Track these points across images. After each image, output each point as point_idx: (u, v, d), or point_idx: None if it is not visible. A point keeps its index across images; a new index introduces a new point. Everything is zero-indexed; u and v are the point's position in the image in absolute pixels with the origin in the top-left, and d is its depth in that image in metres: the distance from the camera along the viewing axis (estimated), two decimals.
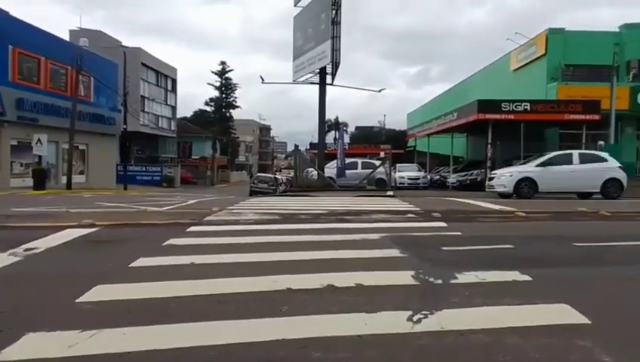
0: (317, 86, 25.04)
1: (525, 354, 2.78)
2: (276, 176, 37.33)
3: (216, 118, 62.66)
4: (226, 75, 63.80)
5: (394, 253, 5.74)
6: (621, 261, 5.70)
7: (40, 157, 23.96)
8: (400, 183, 26.35)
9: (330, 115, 68.68)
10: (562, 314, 3.47)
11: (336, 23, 23.39)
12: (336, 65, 23.84)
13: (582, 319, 3.35)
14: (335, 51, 23.32)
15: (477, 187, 21.98)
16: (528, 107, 22.35)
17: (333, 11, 23.41)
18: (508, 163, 21.77)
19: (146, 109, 47.12)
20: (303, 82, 26.87)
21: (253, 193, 27.34)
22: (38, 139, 23.03)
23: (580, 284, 4.47)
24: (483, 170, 22.77)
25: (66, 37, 36.58)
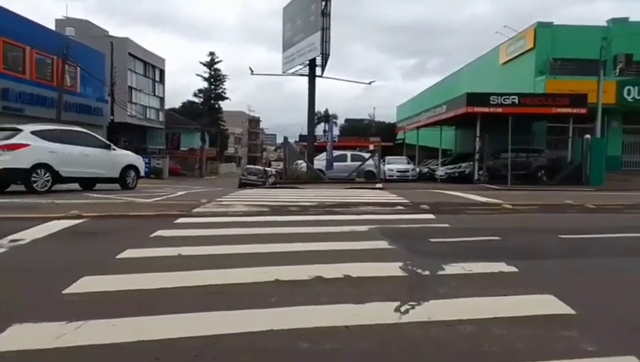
0: (307, 78, 24.98)
1: (511, 344, 2.81)
2: (265, 168, 37.26)
3: (205, 109, 62.36)
4: (215, 66, 63.54)
5: (382, 244, 5.77)
6: (606, 253, 5.77)
7: None
8: (389, 176, 26.44)
9: (322, 108, 68.72)
10: (548, 304, 3.51)
11: (325, 14, 23.31)
12: (325, 57, 23.78)
13: (567, 310, 3.39)
14: (325, 43, 23.26)
15: (465, 180, 22.14)
16: (516, 100, 22.49)
17: (323, 3, 23.33)
18: (495, 156, 21.95)
19: (133, 100, 46.65)
20: (292, 74, 26.83)
21: (243, 185, 27.27)
22: None
23: (565, 276, 4.53)
24: (471, 163, 22.93)
25: (52, 26, 36.04)
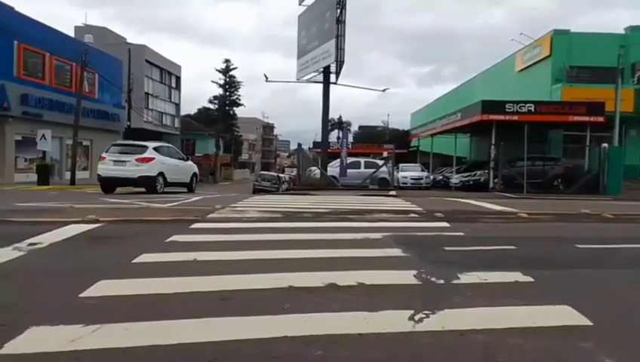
0: (322, 85, 25.06)
1: (526, 355, 2.78)
2: (279, 174, 37.40)
3: (220, 115, 62.81)
4: (230, 73, 64.00)
5: (396, 252, 5.74)
6: (624, 263, 5.69)
7: (44, 152, 24.07)
8: (403, 183, 26.35)
9: (336, 115, 68.86)
10: (564, 315, 3.47)
11: (340, 21, 23.40)
12: (340, 64, 23.86)
13: (584, 321, 3.35)
14: (339, 50, 23.33)
15: (480, 188, 21.97)
16: (532, 108, 22.30)
17: (338, 10, 23.42)
18: (511, 164, 21.75)
19: (149, 106, 47.14)
20: (306, 81, 26.92)
21: (257, 191, 27.40)
22: (43, 135, 23.10)
23: (582, 286, 4.47)
24: (486, 171, 22.75)
25: (72, 33, 36.65)
